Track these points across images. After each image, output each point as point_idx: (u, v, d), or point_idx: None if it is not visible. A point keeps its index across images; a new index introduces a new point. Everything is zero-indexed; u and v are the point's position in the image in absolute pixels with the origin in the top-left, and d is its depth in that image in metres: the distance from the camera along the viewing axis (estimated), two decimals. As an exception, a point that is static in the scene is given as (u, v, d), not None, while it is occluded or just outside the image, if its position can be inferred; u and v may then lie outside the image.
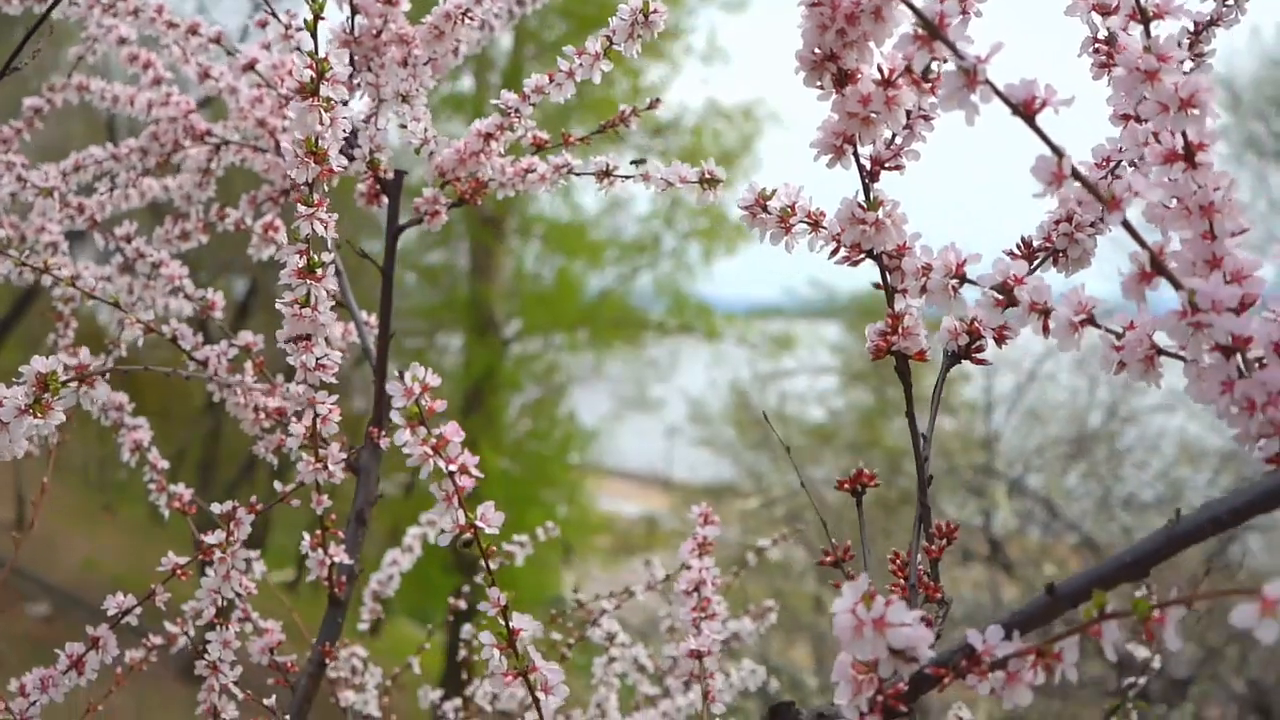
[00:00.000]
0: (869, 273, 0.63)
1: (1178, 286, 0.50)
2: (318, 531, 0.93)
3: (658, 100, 0.98)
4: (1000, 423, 7.41)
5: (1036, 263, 0.66)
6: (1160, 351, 0.53)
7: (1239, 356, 0.49)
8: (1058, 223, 0.66)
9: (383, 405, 0.95)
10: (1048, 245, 0.66)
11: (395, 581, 1.39)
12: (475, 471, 0.61)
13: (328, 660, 0.95)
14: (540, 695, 0.62)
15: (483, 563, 0.62)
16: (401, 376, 0.59)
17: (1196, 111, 0.51)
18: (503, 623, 0.62)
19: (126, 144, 1.15)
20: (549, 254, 11.98)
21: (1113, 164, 0.66)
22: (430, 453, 0.60)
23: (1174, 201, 0.55)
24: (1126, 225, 0.49)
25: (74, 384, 0.65)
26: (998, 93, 0.49)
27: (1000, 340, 0.65)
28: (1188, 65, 0.70)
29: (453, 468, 0.60)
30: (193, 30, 1.06)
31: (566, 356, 12.14)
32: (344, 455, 0.89)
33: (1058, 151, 0.49)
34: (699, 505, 0.92)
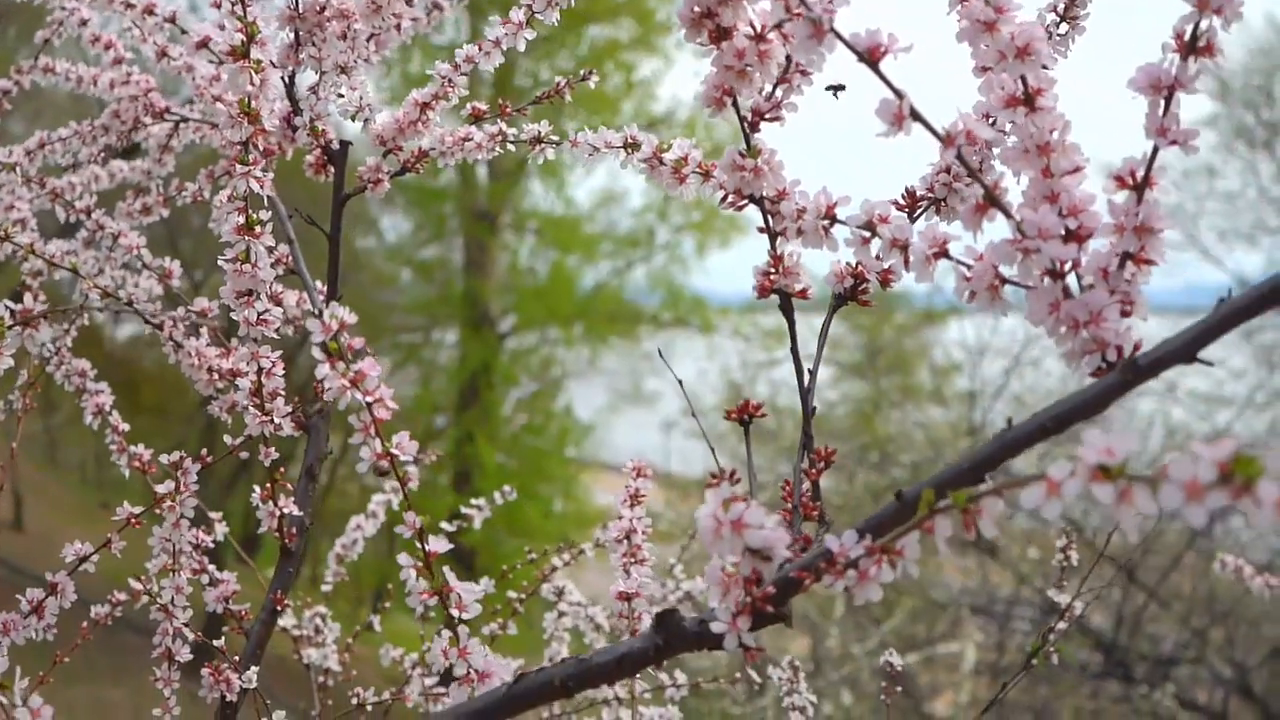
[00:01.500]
0: None
1: (1009, 217, 0.54)
2: (268, 485, 0.98)
3: (591, 72, 1.03)
4: (990, 410, 7.46)
5: (919, 210, 0.71)
6: (1004, 280, 0.58)
7: (1066, 280, 0.54)
8: (939, 173, 0.71)
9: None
10: (930, 194, 0.71)
11: (359, 546, 1.44)
12: (391, 404, 0.66)
13: (279, 608, 1.00)
14: (455, 613, 0.67)
15: (400, 490, 0.67)
16: (321, 315, 0.64)
17: (1032, 59, 0.56)
18: (419, 545, 0.67)
19: (88, 122, 1.20)
20: (543, 248, 12.03)
21: (991, 118, 0.71)
22: (348, 385, 0.65)
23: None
24: (960, 159, 0.54)
25: (17, 327, 0.70)
26: (844, 41, 0.53)
27: (885, 283, 0.70)
28: (1063, 28, 0.75)
29: (370, 399, 0.65)
30: (149, 10, 1.10)
31: (562, 351, 12.19)
32: (289, 409, 0.93)
33: (899, 94, 0.54)
34: (632, 461, 0.97)
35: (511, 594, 1.32)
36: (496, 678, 0.65)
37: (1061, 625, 1.10)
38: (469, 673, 0.66)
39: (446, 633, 0.67)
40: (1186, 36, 0.55)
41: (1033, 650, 1.05)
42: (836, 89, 0.63)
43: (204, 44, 1.07)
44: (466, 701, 0.63)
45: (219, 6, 1.05)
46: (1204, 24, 0.54)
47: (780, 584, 0.57)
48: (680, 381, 0.95)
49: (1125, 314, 0.55)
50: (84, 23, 1.21)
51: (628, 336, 12.15)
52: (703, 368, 10.01)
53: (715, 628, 0.57)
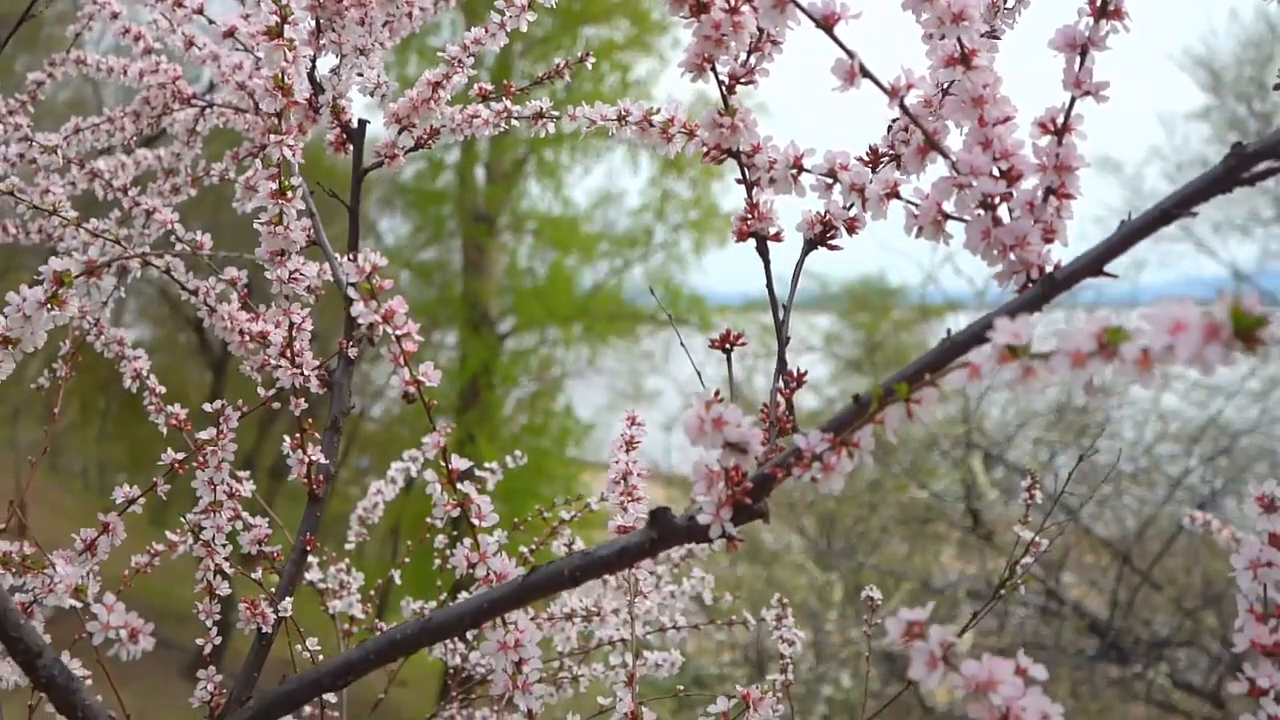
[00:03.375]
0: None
1: (946, 158, 0.64)
2: (297, 435, 1.07)
3: (588, 54, 1.12)
4: (987, 399, 7.55)
5: (881, 164, 0.80)
6: (946, 215, 0.67)
7: (997, 212, 0.63)
8: (897, 132, 0.80)
9: (351, 324, 1.09)
10: (891, 150, 0.80)
11: (379, 509, 1.53)
12: (418, 336, 0.75)
13: (308, 548, 1.09)
14: (475, 522, 0.76)
15: (426, 411, 0.76)
16: (353, 257, 0.73)
17: (966, 24, 0.65)
18: (443, 463, 0.76)
19: (120, 108, 1.29)
20: (541, 249, 12.12)
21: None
22: (380, 320, 0.74)
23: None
24: (903, 108, 0.63)
25: (83, 277, 0.79)
26: (802, 9, 0.63)
27: (851, 230, 0.79)
28: (1010, 2, 0.84)
29: (400, 332, 0.74)
30: (178, 3, 1.20)
31: (561, 351, 12.27)
32: (318, 363, 1.03)
33: (850, 54, 0.63)
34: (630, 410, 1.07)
35: (523, 548, 1.41)
36: (511, 576, 0.74)
37: (1028, 559, 1.19)
38: (488, 574, 0.76)
39: (468, 540, 0.76)
40: (1099, 2, 0.64)
41: (1001, 582, 1.14)
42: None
43: (230, 33, 1.16)
44: (490, 590, 0.72)
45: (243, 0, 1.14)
46: (1112, -9, 0.64)
47: (757, 479, 0.66)
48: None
49: (1048, 240, 0.64)
50: (115, 15, 1.31)
51: (626, 336, 12.23)
52: (700, 360, 10.06)
53: (701, 519, 0.67)
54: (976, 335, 0.62)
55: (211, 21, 1.19)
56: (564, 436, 11.63)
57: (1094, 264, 0.59)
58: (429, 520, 0.82)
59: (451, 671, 1.44)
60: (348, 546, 1.48)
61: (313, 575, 1.39)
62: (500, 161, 11.42)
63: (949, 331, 0.63)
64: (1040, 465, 6.57)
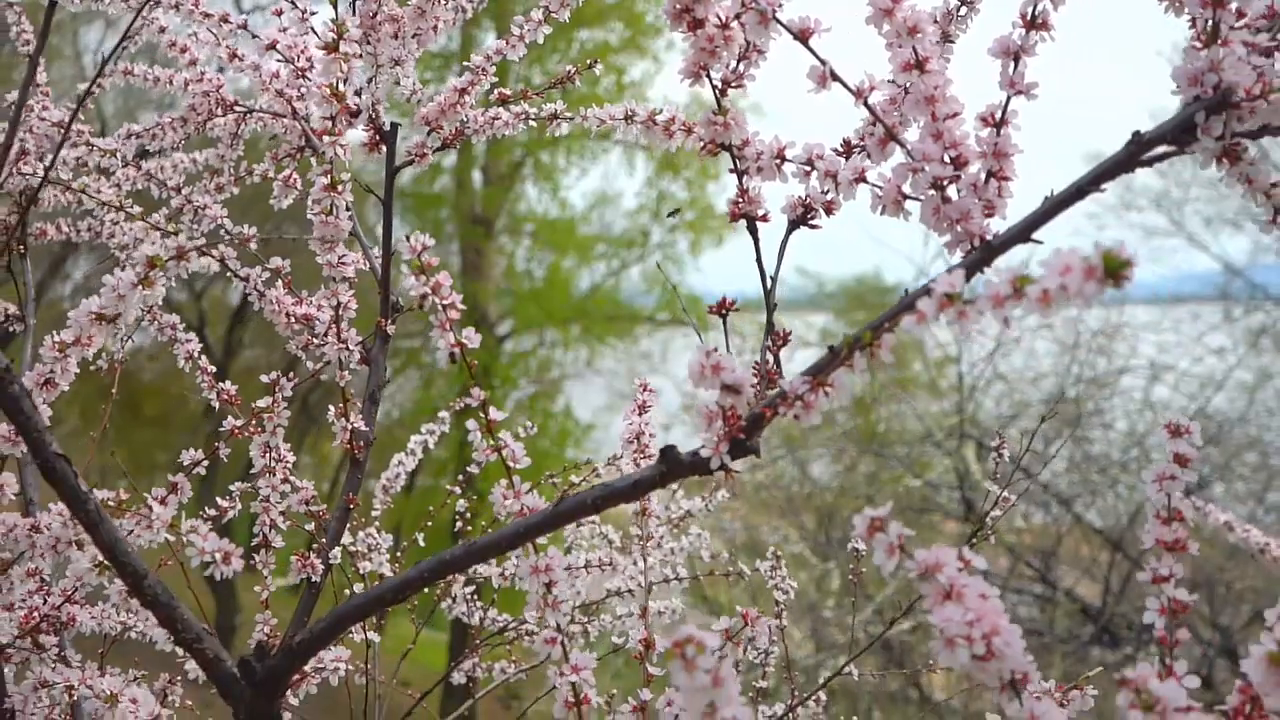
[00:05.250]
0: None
1: (903, 146, 0.77)
2: (341, 404, 1.20)
3: (595, 61, 1.26)
4: (978, 389, 7.70)
5: (855, 155, 0.93)
6: (905, 196, 0.80)
7: (946, 192, 0.77)
8: (866, 125, 0.93)
9: (388, 305, 1.22)
10: (862, 143, 0.93)
11: (401, 479, 1.67)
12: (460, 305, 0.88)
13: (350, 505, 1.22)
14: (510, 465, 0.89)
15: (468, 369, 0.89)
16: (408, 238, 0.86)
17: (920, 35, 0.78)
18: (483, 415, 0.89)
19: (170, 114, 1.42)
20: (539, 251, 12.25)
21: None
22: (429, 291, 0.87)
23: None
24: (867, 107, 0.76)
25: (173, 260, 0.91)
26: (783, 25, 0.76)
27: (829, 211, 0.92)
28: (963, 10, 0.97)
29: (445, 302, 0.87)
30: (224, 19, 1.33)
31: (559, 352, 12.40)
32: (360, 339, 1.16)
33: (823, 62, 0.76)
34: (639, 379, 1.20)
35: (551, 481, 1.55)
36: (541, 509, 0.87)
37: (996, 512, 1.32)
38: (521, 509, 0.88)
39: (503, 481, 0.89)
40: (1029, 15, 0.77)
41: (974, 530, 1.27)
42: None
43: (272, 46, 1.29)
44: (525, 519, 0.85)
45: (280, 14, 1.27)
46: (1040, 6, 0.77)
47: (750, 418, 0.79)
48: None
49: (988, 214, 0.77)
50: (163, 30, 1.43)
51: (625, 336, 12.35)
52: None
53: (703, 453, 0.80)
54: (924, 289, 0.75)
55: (255, 36, 1.32)
56: (563, 437, 11.74)
57: (1022, 233, 0.73)
58: (447, 486, 0.95)
59: (473, 630, 1.57)
60: (374, 514, 1.62)
61: (344, 539, 1.51)
62: (497, 164, 11.56)
63: (906, 290, 0.76)
64: (1033, 454, 6.72)
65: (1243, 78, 0.68)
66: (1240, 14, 0.69)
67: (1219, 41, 0.69)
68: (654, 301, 12.18)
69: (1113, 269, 0.53)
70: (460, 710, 1.67)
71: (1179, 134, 0.69)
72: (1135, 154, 0.70)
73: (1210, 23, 0.69)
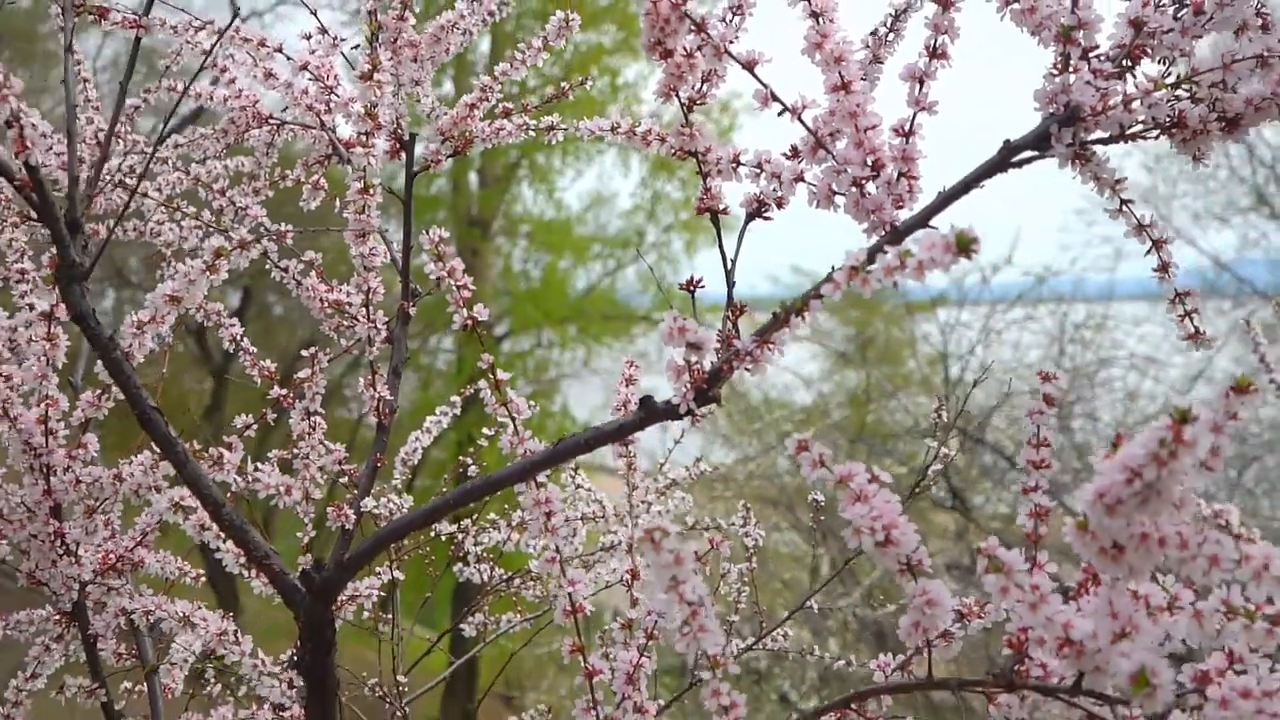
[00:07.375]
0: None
1: (829, 153, 0.96)
2: (369, 376, 1.39)
3: (585, 79, 1.45)
4: (966, 384, 7.90)
5: (801, 162, 1.13)
6: (834, 192, 0.99)
7: (865, 189, 0.96)
8: (805, 136, 1.12)
9: (408, 288, 1.41)
10: (812, 149, 1.13)
11: (418, 454, 1.87)
12: (471, 285, 1.07)
13: (378, 464, 1.41)
14: (514, 416, 1.08)
15: (480, 339, 1.08)
16: (426, 232, 1.05)
17: (845, 63, 0.97)
18: (492, 376, 1.09)
19: (211, 127, 1.62)
20: (535, 252, 12.43)
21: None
22: (445, 275, 1.06)
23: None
24: (801, 121, 0.96)
25: (236, 250, 1.11)
26: (732, 56, 0.95)
27: (779, 205, 1.11)
28: (890, 36, 1.16)
29: (459, 283, 1.07)
30: (261, 43, 1.52)
31: (557, 352, 12.58)
32: (387, 319, 1.35)
33: (765, 85, 0.96)
34: (627, 357, 1.39)
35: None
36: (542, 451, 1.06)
37: (937, 466, 1.51)
38: (525, 452, 1.08)
39: (510, 427, 1.09)
40: (931, 46, 0.97)
41: (914, 484, 1.47)
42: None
43: (304, 66, 1.48)
44: (530, 456, 1.04)
45: (309, 38, 1.47)
46: (939, 39, 0.96)
47: (711, 372, 0.98)
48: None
49: (899, 207, 0.96)
50: (206, 53, 1.63)
51: (621, 336, 12.53)
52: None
53: (674, 400, 0.99)
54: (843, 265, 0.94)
55: (289, 58, 1.52)
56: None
57: (921, 220, 0.92)
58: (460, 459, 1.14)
59: (484, 586, 1.76)
60: (394, 483, 1.81)
61: (367, 504, 1.71)
62: (493, 166, 11.74)
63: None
64: (1017, 445, 6.92)
65: (1087, 98, 0.87)
66: (1086, 52, 0.88)
67: (1070, 69, 0.89)
68: (649, 301, 12.35)
69: (963, 245, 0.73)
70: (460, 661, 1.86)
71: (1039, 141, 0.89)
72: (1006, 157, 0.90)
73: (1063, 54, 0.89)
